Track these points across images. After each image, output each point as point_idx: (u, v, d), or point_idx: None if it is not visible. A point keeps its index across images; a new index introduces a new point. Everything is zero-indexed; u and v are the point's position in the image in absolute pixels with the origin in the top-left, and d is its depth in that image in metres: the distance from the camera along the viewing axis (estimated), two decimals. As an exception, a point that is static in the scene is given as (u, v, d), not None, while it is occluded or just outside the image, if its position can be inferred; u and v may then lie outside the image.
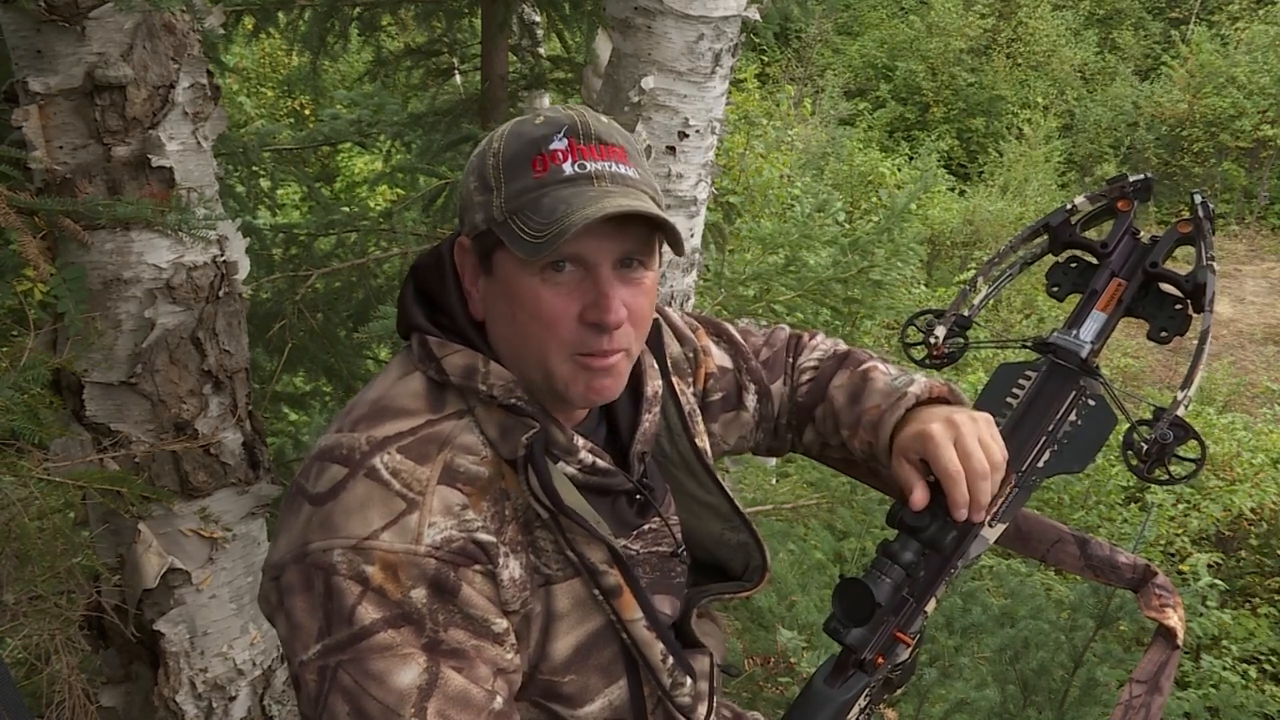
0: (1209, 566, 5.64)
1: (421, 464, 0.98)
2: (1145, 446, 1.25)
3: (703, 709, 1.16)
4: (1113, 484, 7.32)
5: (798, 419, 1.36)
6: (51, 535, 1.97)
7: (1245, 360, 11.86)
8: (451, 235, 1.11)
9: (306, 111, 10.90)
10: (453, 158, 3.62)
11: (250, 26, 3.93)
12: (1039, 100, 17.70)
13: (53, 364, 1.79)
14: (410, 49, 4.54)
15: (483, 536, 0.98)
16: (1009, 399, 1.29)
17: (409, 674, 0.93)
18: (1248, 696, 4.33)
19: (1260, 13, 18.37)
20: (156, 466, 1.93)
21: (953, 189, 15.25)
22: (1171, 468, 1.26)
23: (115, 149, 1.75)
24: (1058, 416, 1.26)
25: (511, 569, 1.00)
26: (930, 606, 1.18)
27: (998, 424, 1.19)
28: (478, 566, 0.98)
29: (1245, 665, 5.81)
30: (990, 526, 1.20)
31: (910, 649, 1.17)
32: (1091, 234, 1.41)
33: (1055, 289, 1.42)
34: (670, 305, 2.42)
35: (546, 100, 4.43)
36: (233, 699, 2.11)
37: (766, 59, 17.52)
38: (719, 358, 1.34)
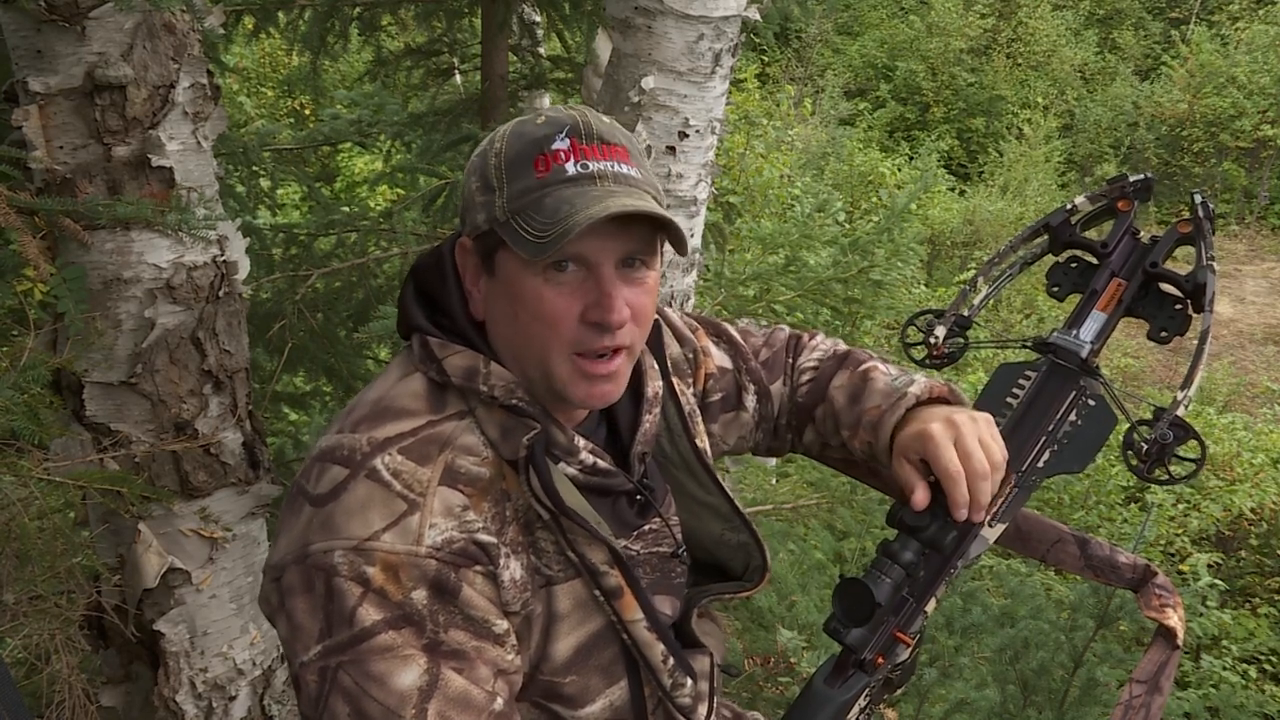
0: (1209, 566, 5.64)
1: (422, 465, 0.98)
2: (1145, 446, 1.25)
3: (703, 709, 1.16)
4: (1113, 484, 7.32)
5: (798, 419, 1.36)
6: (51, 535, 1.97)
7: (1245, 360, 11.86)
8: (452, 236, 1.10)
9: (306, 111, 10.90)
10: (453, 158, 3.62)
11: (250, 26, 3.93)
12: (1039, 100, 17.70)
13: (53, 364, 1.79)
14: (410, 49, 4.54)
15: (483, 537, 0.98)
16: (1009, 399, 1.29)
17: (409, 675, 0.93)
18: (1248, 696, 4.33)
19: (1260, 13, 18.37)
20: (156, 466, 1.93)
21: (953, 189, 15.25)
22: (1171, 468, 1.26)
23: (115, 149, 1.75)
24: (1058, 416, 1.26)
25: (512, 570, 1.00)
26: (930, 606, 1.18)
27: (998, 424, 1.19)
28: (479, 567, 0.98)
29: (1245, 665, 5.81)
30: (990, 526, 1.20)
31: (910, 649, 1.17)
32: (1091, 234, 1.41)
33: (1055, 289, 1.42)
34: (670, 305, 2.42)
35: (546, 100, 4.43)
36: (233, 699, 2.11)
37: (766, 59, 17.52)
38: (718, 358, 1.34)
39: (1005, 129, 16.74)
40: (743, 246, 7.01)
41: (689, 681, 1.11)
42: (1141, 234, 1.37)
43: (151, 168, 1.78)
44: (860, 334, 6.31)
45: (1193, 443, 1.26)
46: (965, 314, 1.45)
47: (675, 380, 1.25)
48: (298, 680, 0.97)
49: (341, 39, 3.98)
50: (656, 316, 1.24)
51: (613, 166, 0.99)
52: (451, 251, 1.08)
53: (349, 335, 3.48)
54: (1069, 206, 1.41)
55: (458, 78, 4.78)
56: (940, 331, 1.43)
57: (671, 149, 2.22)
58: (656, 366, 1.19)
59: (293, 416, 4.27)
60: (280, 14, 3.78)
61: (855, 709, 1.15)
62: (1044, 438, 1.25)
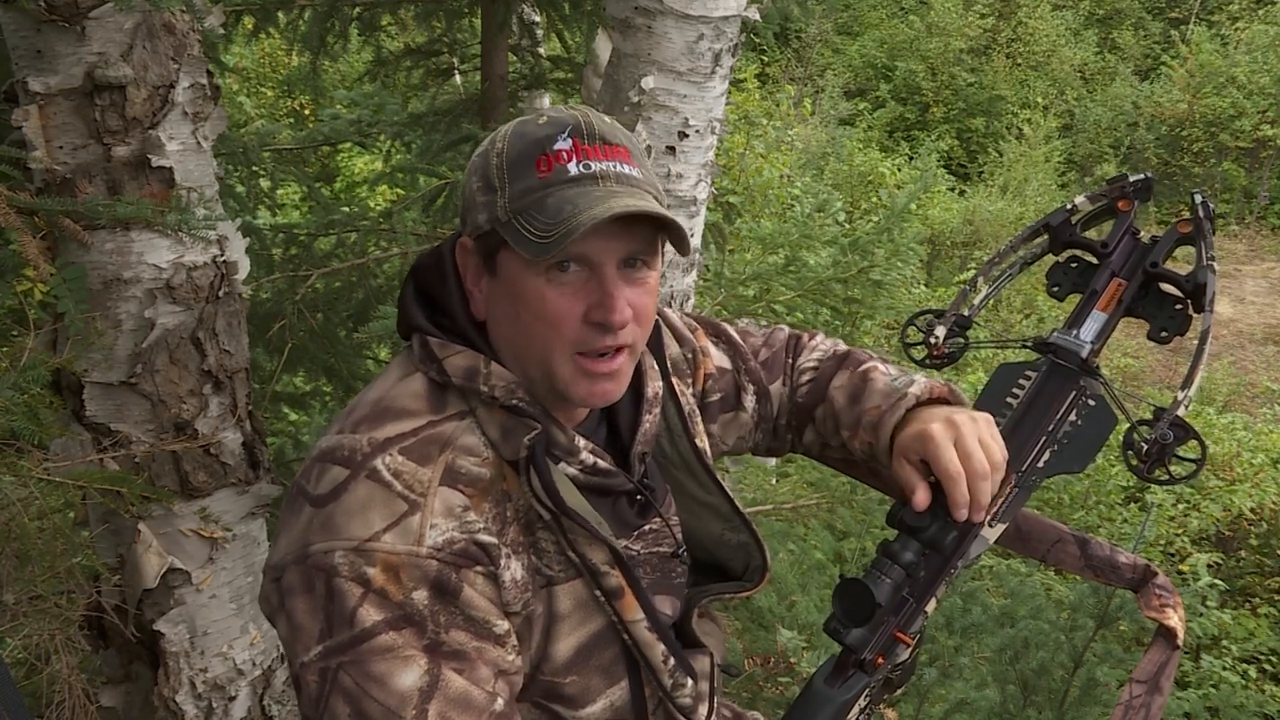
0: (1209, 566, 5.64)
1: (423, 465, 0.98)
2: (1145, 446, 1.25)
3: (703, 709, 1.16)
4: (1113, 484, 7.32)
5: (798, 419, 1.36)
6: (51, 535, 1.97)
7: (1245, 360, 11.86)
8: (452, 236, 1.10)
9: (306, 111, 10.90)
10: (453, 158, 3.62)
11: (250, 26, 3.93)
12: (1039, 100, 17.70)
13: (53, 364, 1.79)
14: (410, 49, 4.54)
15: (484, 538, 0.98)
16: (1009, 399, 1.29)
17: (410, 676, 0.93)
18: (1248, 696, 4.33)
19: (1260, 13, 18.37)
20: (156, 466, 1.93)
21: (953, 189, 15.25)
22: (1172, 468, 1.26)
23: (115, 149, 1.75)
24: (1058, 416, 1.26)
25: (513, 570, 1.00)
26: (930, 606, 1.18)
27: (998, 424, 1.19)
28: (479, 568, 0.97)
29: (1245, 665, 5.81)
30: (990, 526, 1.20)
31: (910, 649, 1.17)
32: (1092, 234, 1.41)
33: (1055, 289, 1.42)
34: (670, 305, 2.42)
35: (546, 100, 4.43)
36: (233, 699, 2.11)
37: (766, 59, 17.52)
38: (718, 358, 1.34)
39: (1005, 129, 16.74)
40: (743, 246, 7.01)
41: (689, 682, 1.11)
42: (1142, 234, 1.36)
43: (151, 168, 1.78)
44: (860, 334, 6.31)
45: (1193, 443, 1.26)
46: (965, 314, 1.45)
47: (675, 380, 1.25)
48: (298, 681, 0.97)
49: (341, 39, 3.98)
50: (656, 317, 1.24)
51: (615, 167, 0.99)
52: (452, 252, 1.08)
53: (349, 335, 3.48)
54: (1069, 206, 1.40)
55: (458, 78, 4.78)
56: (940, 331, 1.43)
57: (671, 149, 2.22)
58: (656, 367, 1.19)
59: (293, 416, 4.27)
60: (280, 14, 3.78)
61: (855, 709, 1.15)
62: (1044, 438, 1.25)
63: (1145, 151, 16.86)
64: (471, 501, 0.98)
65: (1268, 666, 5.98)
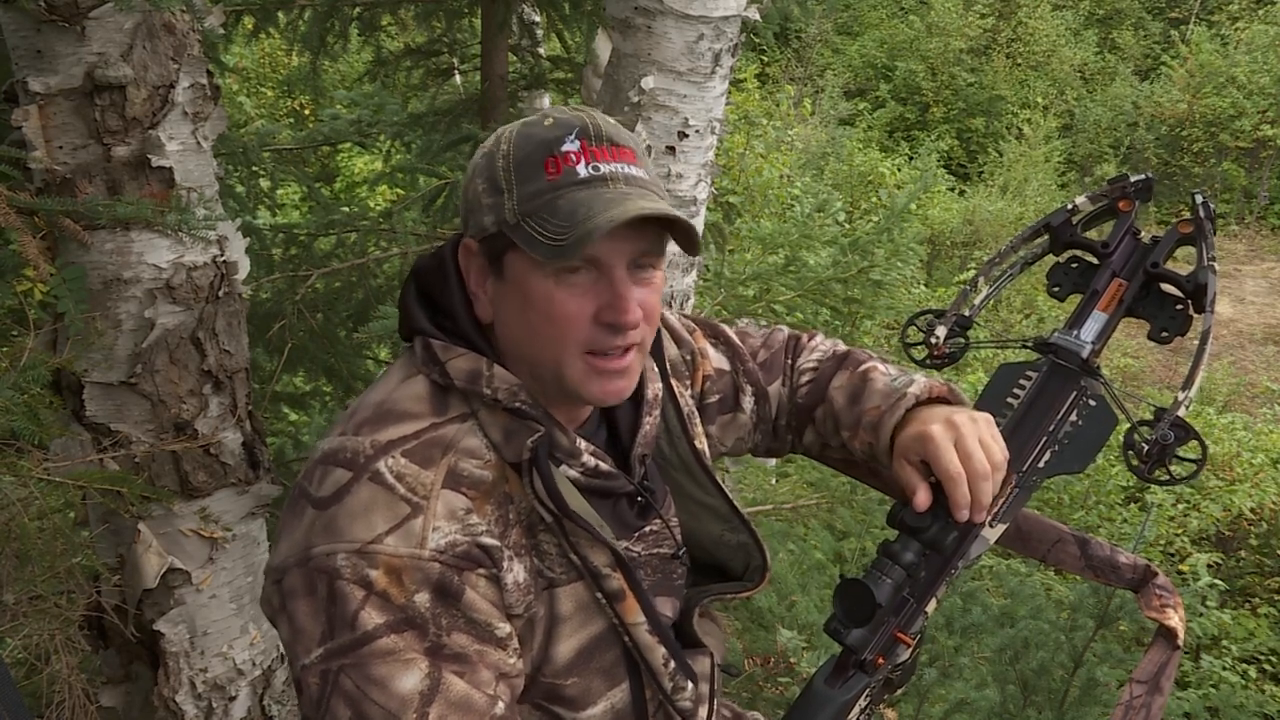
0: (1209, 566, 5.64)
1: (425, 468, 0.98)
2: (1146, 447, 1.25)
3: (703, 711, 1.16)
4: (1113, 484, 7.32)
5: (797, 420, 1.36)
6: (51, 535, 1.97)
7: (1245, 360, 11.87)
8: (454, 237, 1.10)
9: (306, 111, 10.90)
10: (453, 158, 3.61)
11: (250, 26, 3.93)
12: (1039, 100, 17.71)
13: (53, 364, 1.78)
14: (410, 49, 4.54)
15: (487, 540, 0.98)
16: (1009, 399, 1.29)
17: (411, 679, 0.93)
18: (1248, 696, 4.33)
19: (1260, 13, 18.38)
20: (156, 466, 1.93)
21: (953, 189, 15.26)
22: (1172, 468, 1.26)
23: (115, 149, 1.75)
24: (1058, 417, 1.26)
25: (516, 573, 1.00)
26: (931, 607, 1.18)
27: (998, 424, 1.19)
28: (482, 571, 0.97)
29: (1245, 665, 5.82)
30: (991, 527, 1.20)
31: (910, 649, 1.17)
32: (1092, 234, 1.41)
33: (1056, 289, 1.42)
34: (670, 305, 2.42)
35: (546, 100, 4.43)
36: (233, 699, 2.11)
37: (766, 59, 17.52)
38: (716, 360, 1.34)
39: (1005, 129, 16.75)
40: (743, 246, 7.01)
41: (689, 685, 1.11)
42: (1142, 234, 1.36)
43: (151, 168, 1.78)
44: (860, 334, 6.31)
45: (1193, 443, 1.26)
46: (966, 314, 1.45)
47: (674, 382, 1.25)
48: (299, 682, 0.97)
49: (341, 39, 3.98)
50: None
51: (623, 168, 0.99)
52: (453, 253, 1.08)
53: (349, 335, 3.48)
54: (1070, 206, 1.40)
55: (457, 78, 4.78)
56: (940, 331, 1.43)
57: (671, 149, 2.22)
58: (656, 369, 1.19)
59: (293, 416, 4.27)
60: (280, 14, 3.78)
61: (855, 709, 1.15)
62: (1045, 438, 1.25)
63: (1145, 151, 16.87)
64: (474, 504, 0.98)
65: (1268, 666, 5.98)
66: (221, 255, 1.94)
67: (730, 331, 1.37)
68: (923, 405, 1.21)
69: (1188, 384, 1.26)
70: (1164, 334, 1.33)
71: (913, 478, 1.15)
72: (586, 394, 1.03)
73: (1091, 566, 1.32)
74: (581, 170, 0.98)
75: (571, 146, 0.98)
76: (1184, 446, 1.26)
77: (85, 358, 1.84)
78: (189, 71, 1.82)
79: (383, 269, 3.67)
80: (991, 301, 1.57)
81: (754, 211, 9.88)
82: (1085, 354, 1.29)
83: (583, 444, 1.06)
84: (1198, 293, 1.30)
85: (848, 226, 9.27)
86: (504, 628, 0.99)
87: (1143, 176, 1.38)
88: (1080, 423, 1.27)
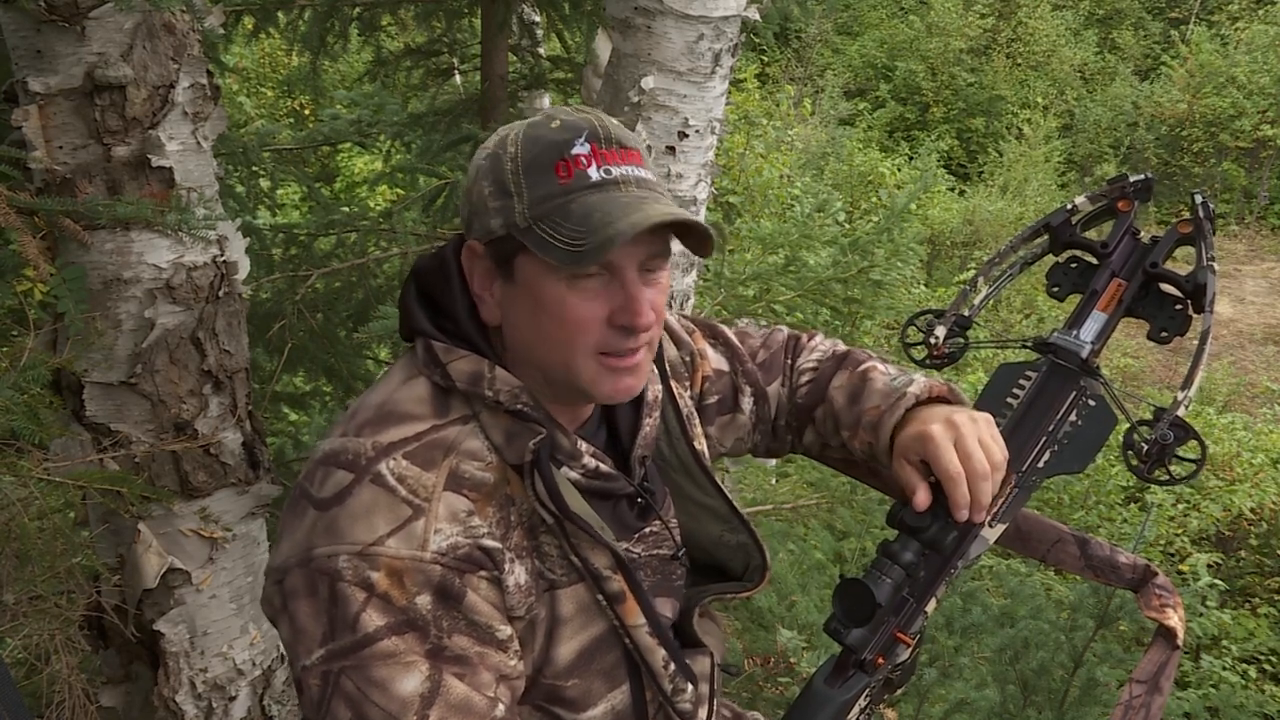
0: (1209, 566, 5.65)
1: (427, 470, 0.98)
2: (1145, 447, 1.25)
3: (703, 712, 1.16)
4: (1113, 484, 7.32)
5: (797, 420, 1.36)
6: (51, 535, 1.97)
7: (1245, 360, 11.87)
8: (455, 239, 1.09)
9: (306, 111, 10.90)
10: (453, 158, 3.61)
11: (250, 26, 3.93)
12: (1039, 100, 17.71)
13: (53, 364, 1.79)
14: (410, 49, 4.54)
15: (488, 543, 0.98)
16: (1009, 399, 1.29)
17: (411, 681, 0.93)
18: (1247, 696, 4.33)
19: (1260, 13, 18.38)
20: (156, 466, 1.93)
21: (953, 189, 15.26)
22: (1172, 468, 1.26)
23: (115, 149, 1.75)
24: (1058, 417, 1.26)
25: (517, 575, 1.00)
26: (930, 607, 1.18)
27: (998, 424, 1.19)
28: (483, 573, 0.97)
29: (1245, 665, 5.82)
30: (990, 527, 1.20)
31: (910, 649, 1.17)
32: (1092, 234, 1.41)
33: (1055, 289, 1.42)
34: (670, 306, 2.42)
35: (546, 100, 4.43)
36: (233, 699, 2.11)
37: (766, 59, 17.52)
38: (715, 361, 1.34)
39: (1005, 129, 16.75)
40: (743, 246, 7.01)
41: (689, 687, 1.11)
42: (1142, 234, 1.36)
43: (151, 168, 1.78)
44: (860, 334, 6.31)
45: (1193, 443, 1.26)
46: (965, 314, 1.45)
47: (673, 383, 1.25)
48: (300, 683, 0.97)
49: (341, 39, 3.98)
50: None
51: (633, 171, 1.00)
52: (455, 255, 1.07)
53: (349, 335, 3.48)
54: (1069, 206, 1.40)
55: (457, 78, 4.78)
56: (940, 331, 1.43)
57: (671, 149, 2.22)
58: (656, 370, 1.19)
59: (293, 416, 4.27)
60: (280, 14, 3.78)
61: (855, 709, 1.15)
62: (1044, 438, 1.25)
63: (1145, 151, 16.87)
64: (475, 506, 0.98)
65: (1268, 666, 5.98)
66: (221, 255, 1.94)
67: (729, 332, 1.37)
68: (922, 405, 1.21)
69: (1187, 384, 1.26)
70: (1163, 334, 1.33)
71: (912, 477, 1.15)
72: (599, 393, 1.03)
73: (1091, 566, 1.32)
74: (593, 174, 0.98)
75: (582, 150, 0.98)
76: (1184, 446, 1.26)
77: (85, 358, 1.84)
78: (189, 71, 1.82)
79: (383, 269, 3.67)
80: (991, 301, 1.57)
81: (754, 211, 9.87)
82: (1085, 354, 1.29)
83: (583, 446, 1.06)
84: (1197, 293, 1.30)
85: (848, 226, 9.26)
86: (505, 630, 0.99)
87: (1142, 176, 1.38)
88: (1080, 423, 1.27)
